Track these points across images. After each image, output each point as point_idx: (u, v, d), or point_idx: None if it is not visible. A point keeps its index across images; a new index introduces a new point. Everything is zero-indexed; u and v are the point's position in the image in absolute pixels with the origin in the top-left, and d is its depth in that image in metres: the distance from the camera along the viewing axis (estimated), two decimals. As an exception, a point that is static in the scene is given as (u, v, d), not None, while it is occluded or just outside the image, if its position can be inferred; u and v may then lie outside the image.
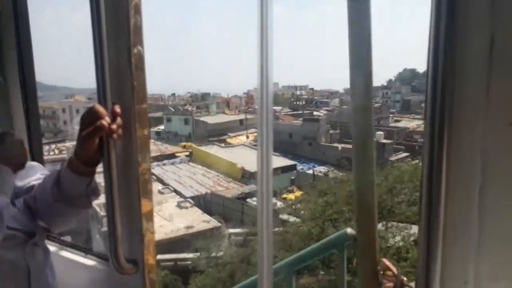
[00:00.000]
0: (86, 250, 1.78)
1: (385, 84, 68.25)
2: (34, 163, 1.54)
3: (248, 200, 23.71)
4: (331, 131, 40.86)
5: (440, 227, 0.89)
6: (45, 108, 48.26)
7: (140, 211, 1.43)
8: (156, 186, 26.44)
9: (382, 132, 35.53)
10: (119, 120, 1.33)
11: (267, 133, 1.43)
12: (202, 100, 60.35)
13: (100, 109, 1.29)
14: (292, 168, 33.19)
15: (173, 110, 51.36)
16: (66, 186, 1.35)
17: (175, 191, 26.65)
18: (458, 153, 0.87)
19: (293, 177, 31.69)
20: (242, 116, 49.16)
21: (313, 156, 37.29)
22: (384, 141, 32.95)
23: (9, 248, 1.27)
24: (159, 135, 47.54)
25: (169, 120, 49.29)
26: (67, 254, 1.81)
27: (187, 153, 37.66)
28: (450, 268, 0.91)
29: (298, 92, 77.91)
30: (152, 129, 48.34)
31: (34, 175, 1.48)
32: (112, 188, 1.35)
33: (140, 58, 1.37)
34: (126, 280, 1.49)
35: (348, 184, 13.43)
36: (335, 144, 37.97)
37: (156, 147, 38.54)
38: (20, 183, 1.44)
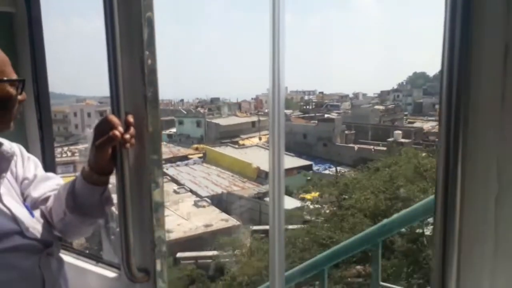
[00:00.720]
0: (98, 258, 1.81)
1: (395, 87, 67.89)
2: (50, 174, 1.56)
3: (266, 199, 23.70)
4: (346, 132, 40.60)
5: (456, 234, 0.88)
6: (56, 112, 48.03)
7: (151, 221, 1.45)
8: (171, 186, 26.61)
9: (400, 132, 35.26)
10: (132, 130, 1.35)
11: (279, 133, 1.43)
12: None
13: (114, 119, 1.32)
14: (308, 168, 33.06)
15: (185, 112, 51.45)
16: (80, 196, 1.38)
17: (191, 191, 26.76)
18: (473, 160, 0.86)
19: (309, 178, 31.58)
20: (254, 118, 49.03)
21: (328, 156, 37.08)
22: (402, 140, 32.70)
23: (26, 257, 1.29)
24: (171, 138, 47.46)
25: (181, 122, 49.26)
26: (78, 262, 1.84)
27: (200, 155, 37.67)
28: (465, 276, 0.90)
29: (306, 97, 77.47)
30: (164, 132, 48.30)
31: (50, 186, 1.51)
32: (124, 197, 1.37)
33: (153, 70, 1.39)
34: (138, 288, 1.51)
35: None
36: (351, 145, 37.69)
37: (168, 149, 38.61)
38: (36, 194, 1.46)
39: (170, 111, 53.89)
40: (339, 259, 3.31)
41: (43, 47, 2.00)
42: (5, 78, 1.26)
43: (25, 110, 1.90)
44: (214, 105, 58.94)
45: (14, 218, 1.30)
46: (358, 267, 11.07)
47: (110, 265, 1.74)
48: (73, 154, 25.85)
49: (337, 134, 39.69)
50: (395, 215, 2.92)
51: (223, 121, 46.96)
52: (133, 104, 1.39)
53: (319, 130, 40.06)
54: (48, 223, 1.43)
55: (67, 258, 1.61)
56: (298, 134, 40.61)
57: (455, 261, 0.88)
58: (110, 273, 1.70)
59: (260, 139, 41.19)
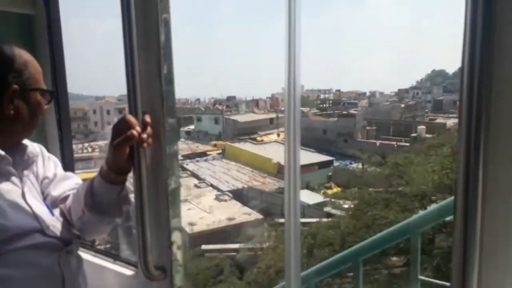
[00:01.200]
0: (115, 256, 1.84)
1: (415, 84, 66.82)
2: (69, 173, 1.61)
3: (288, 194, 23.63)
4: (367, 128, 40.20)
5: (477, 234, 0.86)
6: (76, 110, 48.81)
7: (168, 220, 1.48)
8: (192, 181, 26.81)
9: (424, 127, 34.89)
10: (149, 129, 1.38)
11: (295, 129, 1.44)
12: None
13: (131, 118, 1.35)
14: (329, 164, 32.85)
15: (203, 109, 51.43)
16: (98, 195, 1.42)
17: (211, 185, 26.93)
18: (495, 162, 0.84)
19: (330, 173, 31.37)
20: (272, 115, 48.98)
21: (349, 153, 36.73)
22: (427, 135, 32.26)
23: (46, 255, 1.33)
24: (189, 135, 47.73)
25: (199, 119, 49.45)
26: (96, 260, 1.87)
27: (219, 152, 37.84)
28: (487, 277, 0.88)
29: (322, 96, 76.88)
30: (182, 129, 48.47)
31: (69, 185, 1.55)
32: (142, 196, 1.39)
33: (169, 70, 1.41)
34: (154, 286, 1.54)
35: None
36: (372, 140, 37.32)
37: (186, 146, 38.80)
38: (56, 193, 1.50)
39: (187, 109, 54.31)
40: (374, 251, 3.25)
41: (62, 48, 2.04)
42: (39, 88, 1.35)
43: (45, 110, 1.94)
44: (231, 102, 59.05)
45: (36, 217, 1.33)
46: (395, 258, 10.93)
47: (127, 263, 1.77)
48: (93, 150, 26.26)
49: (358, 130, 39.41)
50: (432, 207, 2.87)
51: (241, 118, 47.13)
52: (150, 104, 1.42)
53: (339, 126, 39.79)
54: (67, 221, 1.47)
55: (85, 255, 1.65)
56: (318, 130, 40.38)
57: (476, 262, 0.87)
58: (128, 271, 1.73)
59: (278, 135, 41.17)
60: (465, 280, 0.88)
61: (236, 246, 16.98)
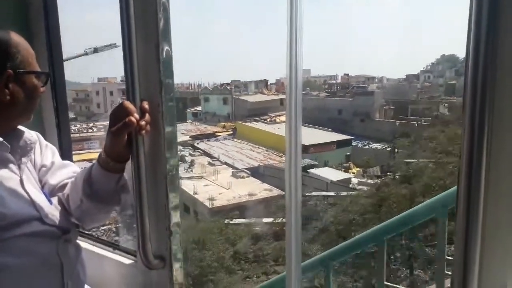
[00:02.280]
0: (114, 245, 1.86)
1: (424, 68, 65.91)
2: (67, 162, 1.63)
3: (309, 170, 23.71)
4: (385, 107, 39.73)
5: (479, 226, 0.85)
6: (78, 91, 48.87)
7: (168, 208, 1.48)
8: (205, 159, 26.97)
9: (446, 104, 34.63)
10: (147, 116, 1.39)
11: (296, 109, 1.42)
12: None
13: (129, 105, 1.35)
14: (347, 143, 32.65)
15: (210, 89, 50.57)
16: (96, 183, 1.43)
17: (226, 163, 27.10)
18: (499, 153, 0.83)
19: (348, 153, 31.24)
20: (282, 96, 48.51)
21: (366, 133, 36.36)
22: (447, 114, 32.00)
23: (44, 243, 1.35)
24: (196, 116, 47.28)
25: (207, 100, 48.50)
26: (95, 249, 1.90)
27: (229, 133, 37.81)
28: (488, 269, 0.87)
29: (328, 82, 75.70)
30: (188, 110, 48.47)
31: (67, 173, 1.56)
32: (140, 184, 1.40)
33: (168, 57, 1.41)
34: (153, 275, 1.56)
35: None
36: (391, 120, 36.93)
37: (194, 127, 38.79)
38: (53, 181, 1.52)
39: (190, 93, 53.88)
40: (399, 230, 3.18)
41: (59, 34, 2.03)
42: (33, 70, 1.35)
43: (42, 98, 1.94)
44: (240, 81, 57.69)
45: (34, 204, 1.35)
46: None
47: (126, 252, 1.79)
48: (99, 130, 26.52)
49: (377, 109, 38.94)
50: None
51: (251, 98, 46.56)
52: (148, 91, 1.42)
53: (355, 105, 39.32)
54: (65, 210, 1.49)
55: (84, 244, 1.67)
56: (332, 110, 39.97)
57: (477, 254, 0.86)
58: (127, 260, 1.75)
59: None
60: (466, 269, 0.87)
61: (265, 220, 17.43)
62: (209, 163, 26.32)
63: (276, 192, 21.17)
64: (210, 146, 32.06)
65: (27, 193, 1.35)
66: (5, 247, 1.24)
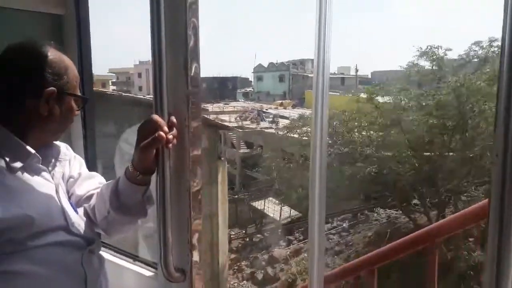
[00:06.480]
0: (135, 256, 1.88)
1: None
2: (94, 173, 1.68)
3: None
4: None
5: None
6: (119, 74, 47.22)
7: (190, 222, 1.51)
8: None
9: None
10: (175, 130, 1.41)
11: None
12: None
13: (159, 119, 1.37)
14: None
15: (264, 67, 48.03)
16: (123, 195, 1.46)
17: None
18: None
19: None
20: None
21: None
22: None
23: (69, 253, 1.38)
24: (247, 97, 44.97)
25: (259, 78, 46.31)
26: (115, 259, 1.92)
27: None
28: None
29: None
30: (239, 91, 47.08)
31: (94, 184, 1.61)
32: (164, 197, 1.42)
33: (196, 74, 1.46)
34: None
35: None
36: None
37: (246, 104, 37.16)
38: (80, 192, 1.57)
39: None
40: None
41: (90, 49, 2.10)
42: (75, 94, 1.43)
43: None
44: (298, 59, 54.39)
45: (64, 213, 1.40)
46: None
47: (147, 264, 1.81)
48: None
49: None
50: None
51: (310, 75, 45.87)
52: (175, 104, 1.45)
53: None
54: (90, 220, 1.53)
55: (105, 255, 1.68)
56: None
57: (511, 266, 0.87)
58: (147, 272, 1.77)
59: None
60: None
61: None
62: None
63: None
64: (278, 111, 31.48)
65: (59, 201, 1.40)
66: (31, 256, 1.26)
